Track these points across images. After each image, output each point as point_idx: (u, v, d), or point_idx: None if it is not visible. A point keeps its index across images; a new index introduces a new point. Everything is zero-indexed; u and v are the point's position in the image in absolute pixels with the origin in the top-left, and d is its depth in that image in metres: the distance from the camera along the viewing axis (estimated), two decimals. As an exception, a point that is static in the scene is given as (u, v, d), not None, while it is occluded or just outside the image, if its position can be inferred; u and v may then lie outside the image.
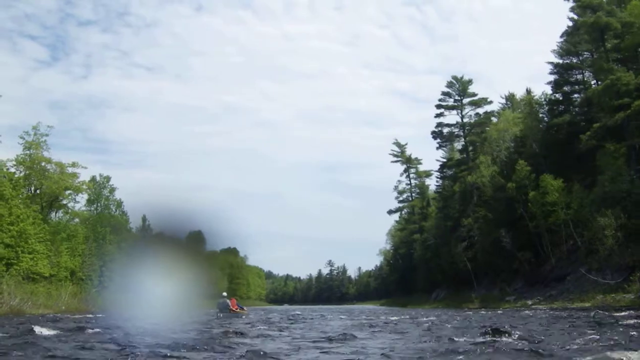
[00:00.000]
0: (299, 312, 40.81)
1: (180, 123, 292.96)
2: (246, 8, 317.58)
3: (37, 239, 42.52)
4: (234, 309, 30.07)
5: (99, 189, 73.24)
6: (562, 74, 50.95)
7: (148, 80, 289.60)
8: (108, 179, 73.83)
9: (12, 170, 49.70)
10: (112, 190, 73.76)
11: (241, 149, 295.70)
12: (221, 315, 28.56)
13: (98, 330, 13.61)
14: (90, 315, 27.12)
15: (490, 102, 66.24)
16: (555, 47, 50.95)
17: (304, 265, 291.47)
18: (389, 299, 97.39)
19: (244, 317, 28.50)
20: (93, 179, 72.86)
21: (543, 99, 55.58)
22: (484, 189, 53.63)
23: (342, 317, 27.79)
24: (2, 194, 37.04)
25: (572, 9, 45.89)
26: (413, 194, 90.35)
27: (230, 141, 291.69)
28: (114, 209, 75.36)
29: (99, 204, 73.12)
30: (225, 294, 32.72)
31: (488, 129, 62.06)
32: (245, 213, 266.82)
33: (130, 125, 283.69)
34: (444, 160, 71.62)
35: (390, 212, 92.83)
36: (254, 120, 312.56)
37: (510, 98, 67.70)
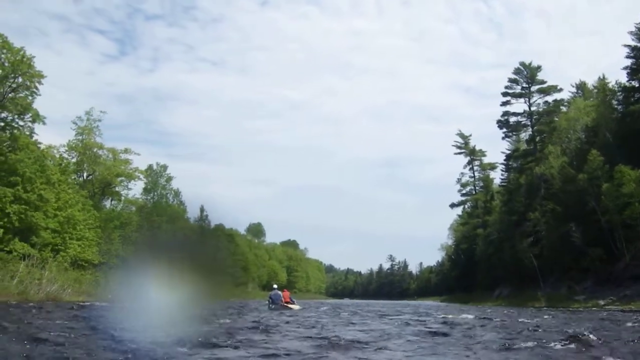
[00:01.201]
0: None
1: (244, 117, 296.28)
2: (311, 4, 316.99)
3: (86, 225, 42.15)
4: (286, 301, 29.44)
5: (156, 177, 73.38)
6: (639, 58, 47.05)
7: (213, 74, 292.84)
8: (165, 167, 73.93)
9: (65, 155, 49.83)
10: (169, 179, 73.81)
11: (304, 144, 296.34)
12: (272, 306, 28.26)
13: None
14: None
15: (560, 89, 62.36)
16: (634, 29, 47.10)
17: (364, 260, 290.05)
18: (450, 296, 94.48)
19: (294, 310, 27.86)
20: (150, 167, 73.11)
21: (617, 88, 51.69)
22: (553, 181, 50.47)
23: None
24: (48, 178, 36.60)
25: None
26: (476, 187, 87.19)
27: (294, 136, 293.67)
28: (171, 199, 75.46)
29: (155, 193, 73.24)
30: (276, 286, 32.70)
31: (557, 118, 58.62)
32: (308, 207, 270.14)
33: (194, 119, 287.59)
34: (509, 152, 68.27)
35: (452, 205, 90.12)
36: (317, 115, 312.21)
37: (581, 87, 63.74)
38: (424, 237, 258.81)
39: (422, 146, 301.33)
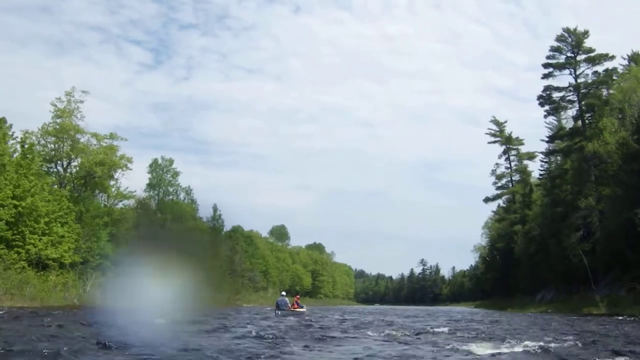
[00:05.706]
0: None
1: (280, 123, 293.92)
2: (344, 9, 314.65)
3: (56, 218, 35.84)
4: (293, 307, 30.55)
5: (161, 172, 68.04)
6: None
7: (248, 81, 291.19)
8: (171, 162, 68.86)
9: (42, 141, 43.89)
10: (176, 174, 68.35)
11: (341, 148, 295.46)
12: (279, 312, 29.08)
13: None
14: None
15: (612, 57, 52.18)
16: None
17: (397, 265, 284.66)
18: (485, 301, 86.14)
19: (302, 315, 28.69)
20: (155, 161, 67.86)
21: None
22: (609, 161, 42.13)
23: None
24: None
25: None
26: (513, 179, 78.31)
27: (330, 141, 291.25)
28: (182, 196, 70.11)
29: (160, 189, 67.75)
30: (284, 292, 34.41)
31: (609, 90, 50.11)
32: (340, 211, 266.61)
33: (230, 126, 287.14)
34: (551, 134, 59.24)
35: (487, 199, 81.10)
36: (353, 120, 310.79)
37: (633, 58, 54.71)
38: (457, 240, 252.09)
39: (457, 149, 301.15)
